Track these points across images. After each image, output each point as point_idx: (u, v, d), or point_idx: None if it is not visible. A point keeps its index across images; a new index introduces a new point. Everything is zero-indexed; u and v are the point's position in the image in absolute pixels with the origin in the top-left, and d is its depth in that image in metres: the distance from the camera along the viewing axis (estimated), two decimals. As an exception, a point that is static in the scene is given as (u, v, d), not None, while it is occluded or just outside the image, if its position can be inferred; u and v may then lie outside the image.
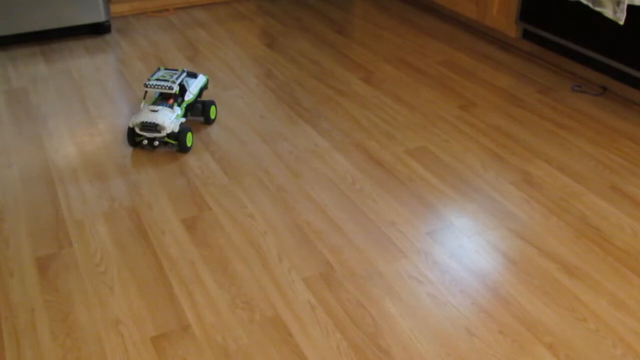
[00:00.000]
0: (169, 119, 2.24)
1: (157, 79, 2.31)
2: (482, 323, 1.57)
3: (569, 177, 2.15)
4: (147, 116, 2.22)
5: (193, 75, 2.45)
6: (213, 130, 2.44)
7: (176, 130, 2.26)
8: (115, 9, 3.62)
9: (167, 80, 2.29)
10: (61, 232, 1.90)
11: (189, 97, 2.38)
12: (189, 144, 2.28)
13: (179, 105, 2.32)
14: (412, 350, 1.50)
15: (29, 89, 2.76)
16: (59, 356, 1.49)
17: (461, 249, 1.82)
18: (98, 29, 3.33)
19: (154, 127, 2.22)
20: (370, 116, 2.54)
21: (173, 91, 2.28)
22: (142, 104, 2.30)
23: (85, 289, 1.68)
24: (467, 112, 2.58)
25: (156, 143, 2.26)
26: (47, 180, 2.14)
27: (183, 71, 2.37)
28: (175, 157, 2.27)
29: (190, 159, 2.25)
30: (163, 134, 2.23)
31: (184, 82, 2.37)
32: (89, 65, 2.99)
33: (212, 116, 2.47)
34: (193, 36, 3.34)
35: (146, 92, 2.40)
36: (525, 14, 2.95)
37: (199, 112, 2.45)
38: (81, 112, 2.57)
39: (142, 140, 2.27)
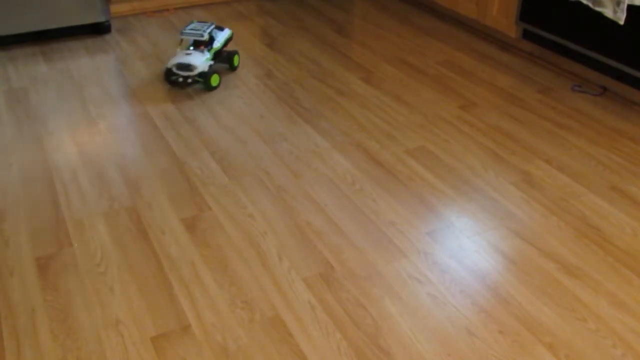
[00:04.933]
0: (200, 60, 2.67)
1: (191, 29, 2.71)
2: (482, 323, 1.57)
3: (569, 177, 2.15)
4: (182, 58, 2.66)
5: (220, 29, 2.87)
6: (213, 130, 2.44)
7: (206, 70, 2.71)
8: (115, 9, 3.62)
9: (199, 30, 2.71)
10: (61, 232, 1.90)
11: (216, 45, 2.79)
12: (213, 84, 2.73)
13: (208, 51, 2.73)
14: (412, 350, 1.50)
15: (29, 89, 2.76)
16: (59, 356, 1.49)
17: (461, 249, 1.82)
18: (98, 29, 3.33)
19: (187, 67, 2.65)
20: (370, 116, 2.54)
21: (203, 38, 2.70)
22: (178, 50, 2.76)
23: (85, 289, 1.68)
24: (467, 112, 2.58)
25: (189, 80, 2.72)
26: (47, 180, 2.14)
27: (212, 24, 2.78)
28: (174, 158, 2.27)
29: (190, 159, 2.25)
30: (195, 72, 2.67)
31: (213, 33, 2.78)
32: (89, 65, 2.99)
33: (235, 63, 2.93)
34: (193, 36, 3.34)
35: (181, 40, 2.81)
36: (525, 14, 2.95)
37: (225, 60, 2.89)
38: (81, 112, 2.57)
39: (177, 79, 2.72)
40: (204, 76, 2.71)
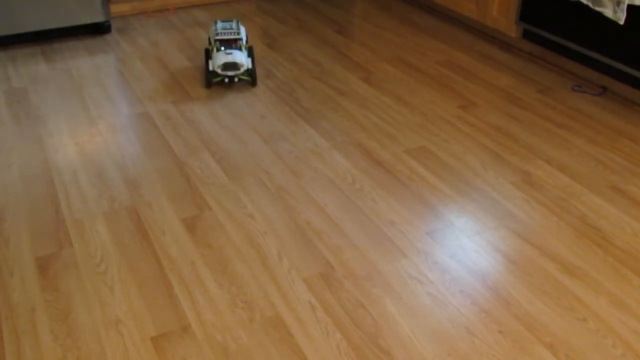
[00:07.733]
0: (243, 58, 2.70)
1: (223, 30, 2.74)
2: (482, 323, 1.57)
3: (569, 177, 2.15)
4: (227, 58, 2.65)
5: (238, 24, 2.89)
6: (213, 130, 2.44)
7: (250, 66, 2.74)
8: (115, 9, 3.62)
9: (231, 29, 2.75)
10: (61, 232, 1.90)
11: (244, 41, 2.79)
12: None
13: (244, 48, 2.77)
14: (412, 350, 1.50)
15: (29, 89, 2.76)
16: (59, 356, 1.49)
17: (461, 249, 1.82)
18: (98, 29, 3.33)
19: (234, 66, 2.66)
20: (370, 116, 2.54)
21: (240, 37, 2.74)
22: (214, 51, 2.71)
23: (85, 289, 1.68)
24: (467, 112, 2.58)
25: (236, 80, 2.76)
26: (47, 180, 2.14)
27: (237, 21, 2.82)
28: (174, 158, 2.27)
29: (190, 159, 2.25)
30: (241, 70, 2.69)
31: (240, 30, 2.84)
32: (89, 65, 2.99)
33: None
34: (193, 36, 3.34)
35: (215, 41, 2.73)
36: (525, 14, 2.95)
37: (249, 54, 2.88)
38: (81, 112, 2.57)
39: (222, 80, 2.75)
40: (250, 73, 2.75)
